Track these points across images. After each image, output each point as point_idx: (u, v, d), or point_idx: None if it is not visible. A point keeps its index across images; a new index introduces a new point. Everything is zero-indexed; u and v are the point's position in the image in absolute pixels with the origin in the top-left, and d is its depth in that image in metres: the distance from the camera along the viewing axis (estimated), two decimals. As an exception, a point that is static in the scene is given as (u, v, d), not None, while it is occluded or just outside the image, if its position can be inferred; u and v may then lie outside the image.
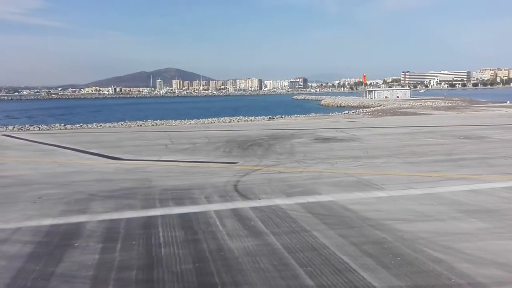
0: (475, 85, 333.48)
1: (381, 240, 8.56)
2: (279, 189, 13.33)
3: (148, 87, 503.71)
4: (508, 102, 68.29)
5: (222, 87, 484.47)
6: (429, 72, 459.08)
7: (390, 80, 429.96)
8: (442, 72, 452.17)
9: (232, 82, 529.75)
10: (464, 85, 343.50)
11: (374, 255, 7.78)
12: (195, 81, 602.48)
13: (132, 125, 43.01)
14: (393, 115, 49.25)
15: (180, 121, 45.91)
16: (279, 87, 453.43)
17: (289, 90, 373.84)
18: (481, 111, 51.87)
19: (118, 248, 8.57)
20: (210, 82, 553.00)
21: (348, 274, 7.04)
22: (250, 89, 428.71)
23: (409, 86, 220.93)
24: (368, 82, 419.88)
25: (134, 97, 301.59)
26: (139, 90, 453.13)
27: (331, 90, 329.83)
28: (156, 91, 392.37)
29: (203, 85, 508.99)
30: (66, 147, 25.19)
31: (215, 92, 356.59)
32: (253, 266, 7.43)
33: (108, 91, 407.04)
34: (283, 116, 50.83)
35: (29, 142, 28.72)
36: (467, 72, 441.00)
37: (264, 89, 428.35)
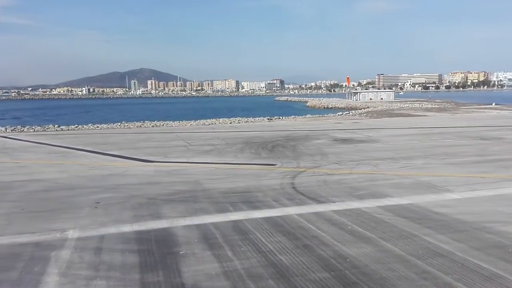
0: (448, 87, 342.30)
1: (500, 244, 8.35)
2: (342, 191, 13.02)
3: (122, 87, 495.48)
4: (493, 104, 70.05)
5: (198, 88, 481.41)
6: (403, 74, 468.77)
7: (364, 83, 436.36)
8: (415, 75, 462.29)
9: (209, 83, 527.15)
10: (437, 87, 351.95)
11: (510, 260, 7.56)
12: (171, 82, 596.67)
13: (131, 126, 41.88)
14: (389, 116, 49.67)
15: (179, 122, 45.02)
16: (257, 89, 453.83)
17: (267, 91, 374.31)
18: (472, 112, 52.87)
19: (230, 254, 8.07)
20: (186, 83, 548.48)
21: (502, 280, 6.78)
22: (227, 90, 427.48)
23: (384, 88, 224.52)
24: (343, 84, 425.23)
25: (110, 97, 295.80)
26: (113, 91, 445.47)
27: (309, 92, 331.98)
28: (131, 92, 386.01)
29: (179, 86, 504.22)
30: (80, 149, 24.20)
31: (194, 93, 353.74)
32: (395, 275, 7.08)
33: (82, 91, 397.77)
34: (281, 117, 50.57)
35: (34, 144, 27.50)
36: (439, 75, 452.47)
37: (242, 90, 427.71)
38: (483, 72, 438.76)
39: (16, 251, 8.50)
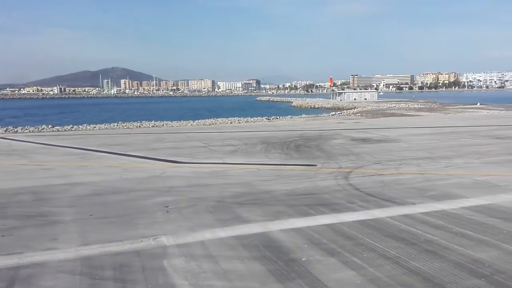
0: (421, 88, 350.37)
1: None
2: (410, 192, 12.79)
3: (94, 86, 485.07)
4: (478, 104, 71.82)
5: (174, 87, 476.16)
6: (376, 75, 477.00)
7: (339, 83, 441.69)
8: (388, 75, 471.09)
9: (184, 83, 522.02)
10: (411, 88, 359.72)
11: None
12: (145, 81, 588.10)
13: (130, 126, 40.77)
14: (385, 116, 50.07)
15: (178, 122, 44.11)
16: (233, 89, 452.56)
17: (246, 92, 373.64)
18: (463, 112, 53.89)
19: (358, 261, 7.66)
20: (161, 82, 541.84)
21: None
22: (204, 90, 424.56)
23: (360, 89, 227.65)
24: (318, 85, 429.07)
25: (84, 97, 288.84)
26: (85, 90, 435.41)
27: (287, 92, 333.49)
28: (105, 91, 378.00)
29: (153, 86, 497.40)
30: (96, 150, 23.25)
31: (171, 93, 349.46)
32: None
33: (53, 91, 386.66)
34: (278, 117, 50.30)
35: (42, 145, 26.29)
36: (411, 76, 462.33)
37: (218, 90, 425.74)
38: (453, 73, 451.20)
39: (122, 261, 7.86)
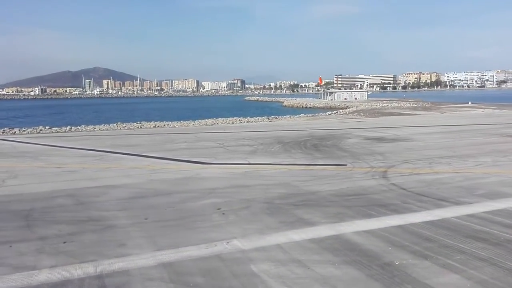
0: (404, 87, 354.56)
1: None
2: (459, 191, 12.71)
3: (75, 87, 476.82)
4: (469, 103, 72.86)
5: (157, 87, 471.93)
6: (359, 75, 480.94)
7: (323, 83, 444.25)
8: (371, 75, 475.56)
9: (168, 83, 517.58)
10: (394, 87, 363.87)
11: None
12: (128, 82, 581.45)
13: (131, 127, 40.03)
14: (383, 115, 50.26)
15: (178, 123, 43.47)
16: (217, 88, 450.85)
17: (232, 92, 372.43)
18: (458, 111, 54.49)
19: (458, 264, 7.46)
20: (144, 82, 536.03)
21: None
22: (188, 90, 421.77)
23: (344, 88, 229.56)
24: (303, 85, 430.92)
25: (67, 98, 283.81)
26: (66, 91, 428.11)
27: (273, 92, 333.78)
28: (88, 92, 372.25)
29: (137, 86, 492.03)
30: (112, 151, 22.69)
31: (156, 93, 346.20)
32: None
33: (34, 91, 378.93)
34: (277, 117, 50.07)
35: (50, 147, 25.62)
36: (393, 75, 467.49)
37: (203, 90, 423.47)
38: (434, 73, 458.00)
39: (207, 267, 7.52)
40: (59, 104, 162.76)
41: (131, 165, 18.49)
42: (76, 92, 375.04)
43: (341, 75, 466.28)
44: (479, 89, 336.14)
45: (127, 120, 50.68)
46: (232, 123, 43.17)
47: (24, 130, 38.04)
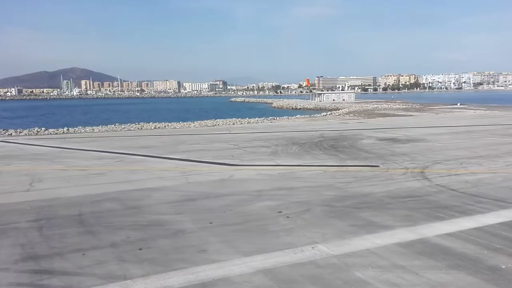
0: (384, 89, 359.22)
1: None
2: (509, 192, 12.69)
3: (52, 87, 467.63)
4: (458, 104, 74.11)
5: (137, 88, 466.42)
6: (340, 77, 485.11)
7: (304, 85, 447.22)
8: (351, 77, 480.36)
9: (148, 84, 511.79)
10: (375, 89, 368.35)
11: None
12: (106, 82, 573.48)
13: (132, 128, 39.29)
14: (380, 116, 50.53)
15: (178, 123, 42.82)
16: (199, 89, 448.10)
17: (215, 93, 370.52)
18: (451, 112, 55.18)
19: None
20: (124, 83, 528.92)
21: None
22: (169, 91, 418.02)
23: (326, 90, 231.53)
24: (285, 86, 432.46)
25: (46, 98, 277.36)
26: (43, 91, 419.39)
27: (256, 93, 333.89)
28: (66, 92, 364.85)
29: (115, 87, 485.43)
30: (128, 153, 22.07)
31: (138, 94, 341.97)
32: None
33: (10, 92, 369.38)
34: (276, 118, 49.86)
35: (60, 149, 24.88)
36: (373, 77, 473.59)
37: (184, 91, 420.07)
38: (413, 75, 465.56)
39: (307, 273, 7.22)
40: (42, 105, 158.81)
41: (158, 167, 17.96)
42: (54, 92, 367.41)
43: (322, 76, 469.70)
44: (457, 91, 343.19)
45: (121, 121, 49.76)
46: (233, 124, 42.78)
47: (20, 132, 36.85)
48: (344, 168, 17.18)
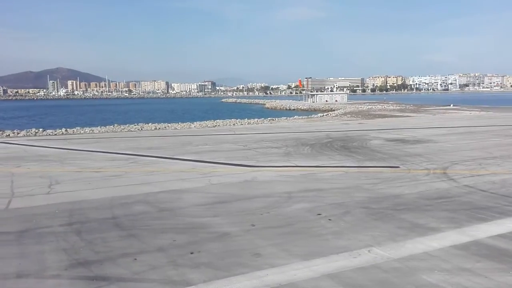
0: (373, 90, 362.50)
1: None
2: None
3: (37, 88, 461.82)
4: (451, 105, 74.82)
5: (125, 89, 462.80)
6: (329, 78, 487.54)
7: (293, 86, 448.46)
8: (339, 78, 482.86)
9: (136, 84, 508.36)
10: (363, 90, 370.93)
11: None
12: (93, 83, 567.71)
13: (132, 129, 38.80)
14: (378, 117, 50.70)
15: (179, 124, 42.41)
16: (188, 90, 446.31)
17: (205, 94, 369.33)
18: (446, 113, 55.64)
19: None
20: (111, 83, 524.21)
21: None
22: (158, 91, 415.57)
23: (316, 91, 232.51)
24: (274, 87, 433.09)
25: (33, 99, 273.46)
26: (29, 91, 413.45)
27: (246, 94, 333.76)
28: (53, 93, 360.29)
29: (103, 87, 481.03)
30: (138, 154, 21.71)
31: (127, 94, 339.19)
32: None
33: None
34: (274, 119, 49.75)
35: (66, 150, 24.36)
36: (361, 79, 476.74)
37: (172, 92, 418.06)
38: (400, 77, 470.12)
39: (377, 278, 7.04)
40: (30, 105, 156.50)
41: (174, 168, 17.65)
42: (41, 93, 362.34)
43: (311, 77, 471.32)
44: (444, 92, 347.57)
45: (118, 122, 49.22)
46: (234, 125, 42.54)
47: (18, 133, 36.11)
48: (364, 169, 17.08)
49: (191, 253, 8.19)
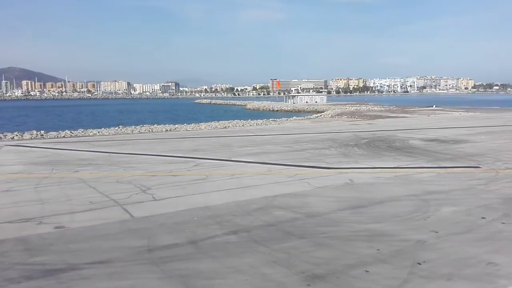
0: (337, 92, 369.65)
1: None
2: None
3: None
4: (434, 106, 77.02)
5: (83, 89, 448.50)
6: (293, 80, 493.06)
7: (258, 87, 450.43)
8: (303, 80, 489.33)
9: (95, 85, 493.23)
10: (329, 92, 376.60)
11: None
12: (49, 83, 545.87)
13: (142, 131, 37.36)
14: (376, 118, 51.13)
15: (188, 125, 41.25)
16: (151, 91, 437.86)
17: (170, 95, 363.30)
18: (442, 114, 56.97)
19: None
20: (67, 84, 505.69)
21: None
22: (119, 92, 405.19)
23: (283, 92, 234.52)
24: (239, 88, 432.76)
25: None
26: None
27: (215, 95, 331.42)
28: (8, 93, 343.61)
29: (59, 87, 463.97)
30: (191, 157, 20.66)
31: (89, 95, 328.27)
32: None
33: None
34: (276, 120, 49.41)
35: (100, 153, 22.89)
36: (324, 80, 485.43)
37: (134, 93, 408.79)
38: (361, 79, 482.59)
39: None
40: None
41: (251, 171, 16.84)
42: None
43: (276, 79, 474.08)
44: (404, 94, 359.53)
45: (109, 124, 47.37)
46: (243, 125, 41.86)
47: (21, 135, 33.84)
48: (449, 169, 16.93)
49: (419, 263, 7.58)
